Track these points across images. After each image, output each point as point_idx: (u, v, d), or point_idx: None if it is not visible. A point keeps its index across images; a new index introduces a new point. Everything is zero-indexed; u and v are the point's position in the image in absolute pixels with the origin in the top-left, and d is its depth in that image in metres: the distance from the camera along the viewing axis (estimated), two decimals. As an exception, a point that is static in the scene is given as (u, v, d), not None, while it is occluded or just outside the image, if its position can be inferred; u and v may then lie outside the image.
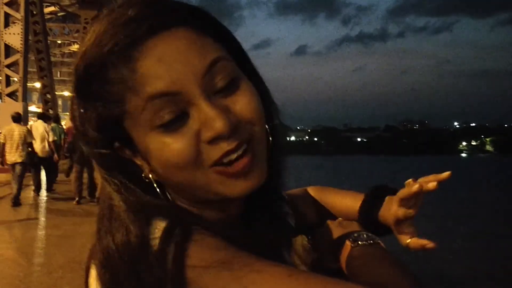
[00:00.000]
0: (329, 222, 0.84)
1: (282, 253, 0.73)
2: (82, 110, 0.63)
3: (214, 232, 0.58)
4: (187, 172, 0.60)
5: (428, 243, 0.71)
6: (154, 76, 0.57)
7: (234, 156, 0.60)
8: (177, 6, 0.62)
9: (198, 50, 0.59)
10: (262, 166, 0.63)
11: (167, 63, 0.58)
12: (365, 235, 0.72)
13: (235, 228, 0.69)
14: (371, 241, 0.71)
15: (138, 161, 0.65)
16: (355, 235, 0.73)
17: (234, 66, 0.63)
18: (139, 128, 0.60)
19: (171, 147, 0.59)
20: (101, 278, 0.61)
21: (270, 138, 0.67)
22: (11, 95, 15.36)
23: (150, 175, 0.65)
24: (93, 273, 0.64)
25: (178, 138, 0.59)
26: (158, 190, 0.65)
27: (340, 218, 0.85)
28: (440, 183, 0.70)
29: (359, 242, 0.71)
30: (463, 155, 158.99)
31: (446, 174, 0.70)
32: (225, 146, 0.59)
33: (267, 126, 0.65)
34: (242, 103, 0.61)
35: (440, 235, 13.62)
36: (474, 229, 14.62)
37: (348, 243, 0.73)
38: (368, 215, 0.81)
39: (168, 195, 0.66)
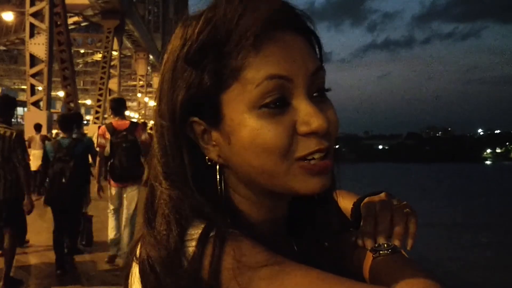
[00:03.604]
0: (350, 231, 0.82)
1: (319, 259, 0.73)
2: (185, 74, 0.66)
3: (252, 236, 0.61)
4: (273, 159, 0.63)
5: None
6: (277, 59, 0.64)
7: (318, 156, 0.64)
8: (304, 15, 0.70)
9: (312, 54, 0.68)
10: (332, 174, 0.68)
11: (289, 53, 0.64)
12: (385, 245, 0.71)
13: (278, 233, 0.73)
14: (392, 250, 0.70)
15: (204, 143, 0.68)
16: (375, 245, 0.72)
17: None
18: (240, 104, 0.64)
19: (270, 130, 0.62)
20: (142, 278, 0.63)
21: None
22: (36, 103, 15.66)
23: (217, 159, 0.68)
24: (134, 271, 0.65)
25: (278, 123, 0.63)
26: (217, 176, 0.68)
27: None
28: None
29: (380, 252, 0.70)
30: (488, 162, 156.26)
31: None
32: (317, 144, 0.64)
33: None
34: (330, 112, 0.67)
35: (461, 245, 13.39)
36: (496, 239, 14.32)
37: (369, 254, 0.72)
38: (357, 215, 0.82)
39: (223, 184, 0.69)
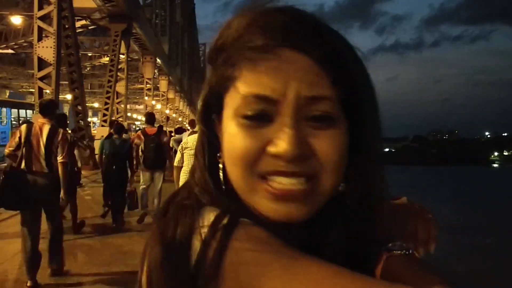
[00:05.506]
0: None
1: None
2: (209, 73, 0.72)
3: (262, 226, 0.61)
4: (238, 172, 0.65)
5: None
6: (268, 79, 0.62)
7: (285, 181, 0.63)
8: (321, 32, 0.65)
9: (313, 79, 0.62)
10: (308, 207, 0.64)
11: (282, 74, 0.62)
12: (399, 245, 0.72)
13: (290, 232, 0.68)
14: (406, 251, 0.71)
15: (221, 140, 0.70)
16: (389, 245, 0.73)
17: (337, 109, 0.64)
18: (230, 110, 0.66)
19: (241, 141, 0.64)
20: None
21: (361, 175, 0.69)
22: (44, 106, 15.69)
23: (221, 159, 0.70)
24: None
25: (251, 136, 0.63)
26: (221, 174, 0.70)
27: None
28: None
29: (394, 252, 0.71)
30: (495, 165, 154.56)
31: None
32: (280, 166, 0.62)
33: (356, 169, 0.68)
34: (325, 142, 0.63)
35: (468, 248, 13.29)
36: (504, 242, 14.20)
37: (382, 253, 0.73)
38: None
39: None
